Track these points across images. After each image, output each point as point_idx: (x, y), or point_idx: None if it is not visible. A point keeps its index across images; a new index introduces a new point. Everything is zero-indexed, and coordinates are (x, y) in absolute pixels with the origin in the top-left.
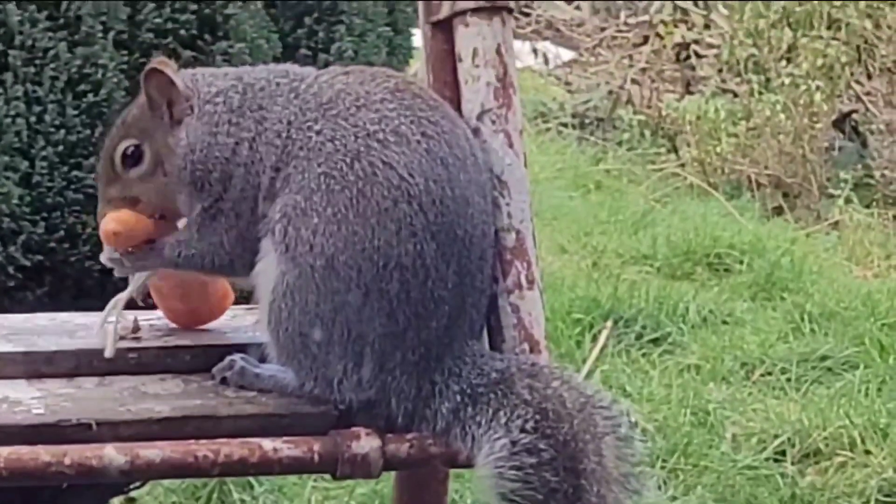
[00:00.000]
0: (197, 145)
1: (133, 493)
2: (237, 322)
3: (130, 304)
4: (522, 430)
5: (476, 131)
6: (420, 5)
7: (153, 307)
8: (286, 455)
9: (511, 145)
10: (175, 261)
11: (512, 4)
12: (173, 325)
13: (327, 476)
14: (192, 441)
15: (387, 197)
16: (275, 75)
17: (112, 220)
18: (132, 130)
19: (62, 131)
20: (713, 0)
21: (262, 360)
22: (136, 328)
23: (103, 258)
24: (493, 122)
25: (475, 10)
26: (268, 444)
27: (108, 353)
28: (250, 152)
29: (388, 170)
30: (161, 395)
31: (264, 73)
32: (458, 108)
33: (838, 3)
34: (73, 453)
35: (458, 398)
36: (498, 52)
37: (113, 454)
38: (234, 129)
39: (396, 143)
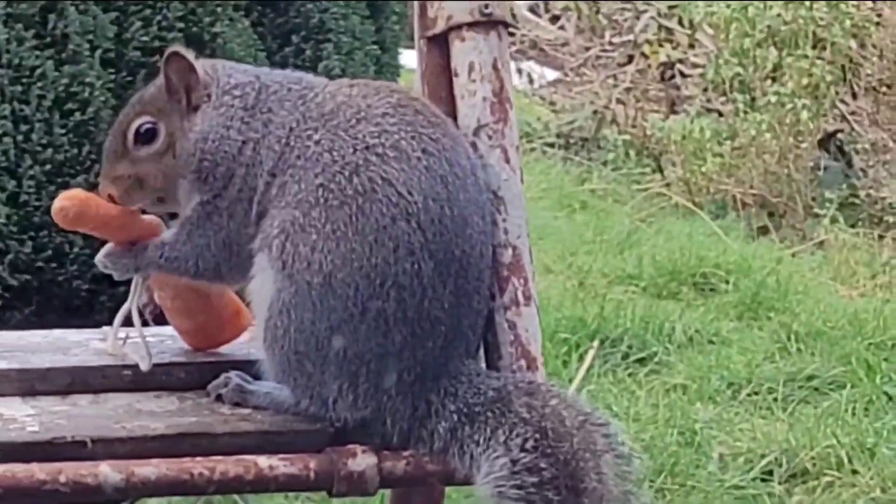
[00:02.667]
0: (210, 134)
1: None
2: None
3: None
4: (523, 449)
5: (472, 146)
6: (415, 20)
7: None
8: (282, 472)
9: (507, 160)
10: (158, 262)
11: (509, 19)
12: (183, 346)
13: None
14: (188, 458)
15: (385, 214)
16: (289, 81)
17: (61, 198)
18: (149, 108)
19: (49, 150)
20: (699, 14)
21: (258, 377)
22: (123, 342)
23: (97, 258)
24: (490, 138)
25: (471, 25)
26: (264, 461)
27: (144, 367)
28: (253, 154)
29: (387, 186)
30: (156, 413)
31: (280, 76)
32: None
33: (823, 23)
34: (68, 471)
35: (456, 417)
36: (494, 66)
37: (108, 472)
38: (245, 127)
39: (396, 159)
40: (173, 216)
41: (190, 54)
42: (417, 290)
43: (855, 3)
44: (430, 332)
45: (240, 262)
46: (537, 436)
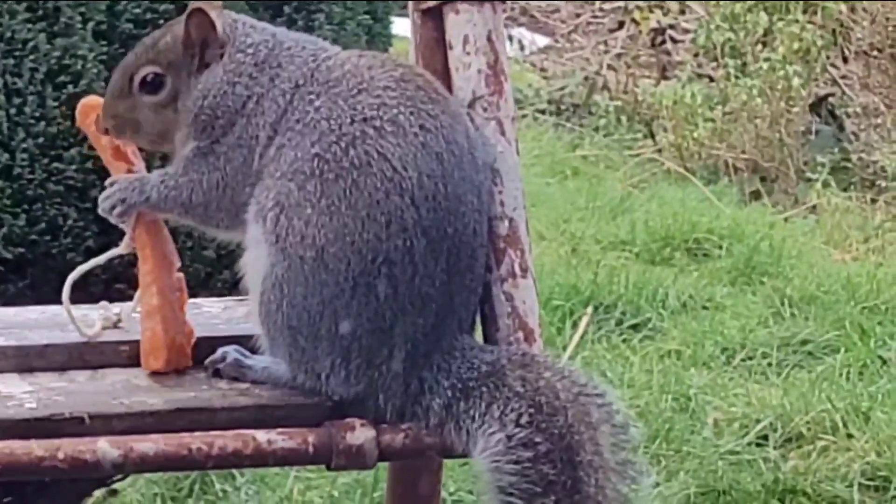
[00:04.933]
0: (212, 91)
1: (115, 486)
2: (229, 313)
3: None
4: (517, 425)
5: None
6: None
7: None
8: (280, 447)
9: (503, 133)
10: (159, 188)
11: None
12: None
13: (310, 465)
14: (186, 434)
15: (379, 189)
16: (305, 40)
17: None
18: (160, 59)
19: (42, 123)
20: None
21: (254, 351)
22: (118, 320)
23: (100, 197)
24: (485, 110)
25: None
26: (262, 436)
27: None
28: (255, 106)
29: (383, 161)
30: (154, 388)
31: (298, 36)
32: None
33: None
34: (67, 447)
35: (450, 393)
36: (489, 38)
37: (106, 448)
38: (251, 82)
39: (393, 134)
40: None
41: (214, 11)
42: (409, 267)
43: None
44: (422, 309)
45: (232, 207)
46: (531, 410)
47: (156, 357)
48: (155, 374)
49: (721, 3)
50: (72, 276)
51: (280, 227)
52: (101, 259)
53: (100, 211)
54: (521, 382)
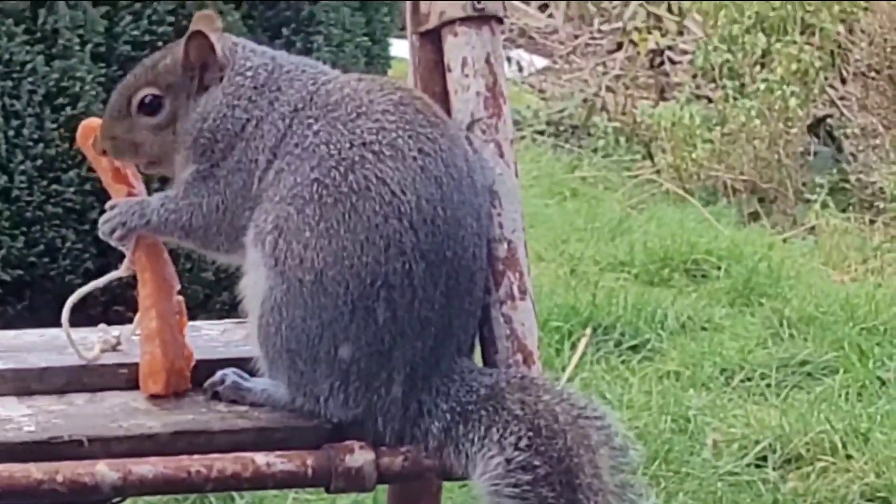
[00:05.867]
0: (211, 114)
1: None
2: (228, 336)
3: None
4: (516, 448)
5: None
6: (407, 15)
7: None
8: (279, 469)
9: (502, 155)
10: (159, 211)
11: (501, 13)
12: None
13: (309, 488)
14: (185, 456)
15: (378, 213)
16: (305, 63)
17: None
18: (159, 80)
19: (41, 145)
20: (688, 0)
21: (253, 373)
22: (117, 343)
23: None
24: (484, 132)
25: (464, 20)
26: (261, 458)
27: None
28: (255, 130)
29: (381, 185)
30: (153, 411)
31: (298, 59)
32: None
33: (812, 8)
34: (66, 470)
35: (449, 417)
36: (487, 61)
37: (105, 471)
38: (250, 105)
39: (392, 158)
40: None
41: (214, 33)
42: (408, 291)
43: None
44: (420, 333)
45: (231, 231)
46: (531, 433)
47: (155, 380)
48: (154, 397)
49: (719, 24)
50: (71, 299)
51: (279, 251)
52: (100, 282)
53: (100, 234)
54: (520, 405)
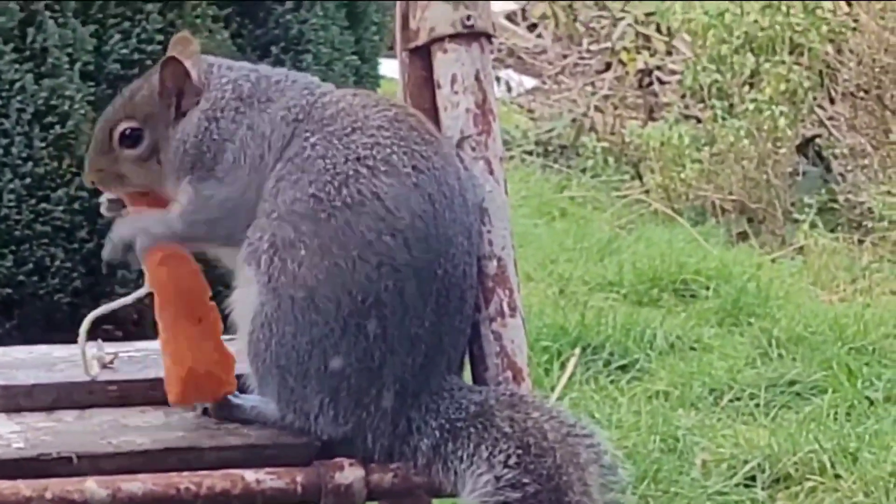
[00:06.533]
0: (191, 134)
1: None
2: None
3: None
4: (505, 466)
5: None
6: (397, 32)
7: (133, 338)
8: (269, 486)
9: (491, 172)
10: (183, 227)
11: (491, 31)
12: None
13: None
14: (175, 473)
15: (371, 229)
16: (293, 74)
17: None
18: (137, 112)
19: (29, 163)
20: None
21: (244, 390)
22: (112, 360)
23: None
24: (473, 149)
25: (453, 37)
26: (250, 475)
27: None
28: (249, 132)
29: (376, 200)
30: (142, 428)
31: (282, 70)
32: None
33: (800, 29)
34: (55, 487)
35: (438, 434)
36: (477, 78)
37: (94, 488)
38: (238, 115)
39: (386, 174)
40: None
41: (189, 59)
42: (399, 308)
43: (831, 8)
44: (410, 350)
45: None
46: (520, 451)
47: (170, 390)
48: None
49: (708, 44)
50: (90, 316)
51: (273, 268)
52: (126, 300)
53: (110, 245)
54: (510, 423)
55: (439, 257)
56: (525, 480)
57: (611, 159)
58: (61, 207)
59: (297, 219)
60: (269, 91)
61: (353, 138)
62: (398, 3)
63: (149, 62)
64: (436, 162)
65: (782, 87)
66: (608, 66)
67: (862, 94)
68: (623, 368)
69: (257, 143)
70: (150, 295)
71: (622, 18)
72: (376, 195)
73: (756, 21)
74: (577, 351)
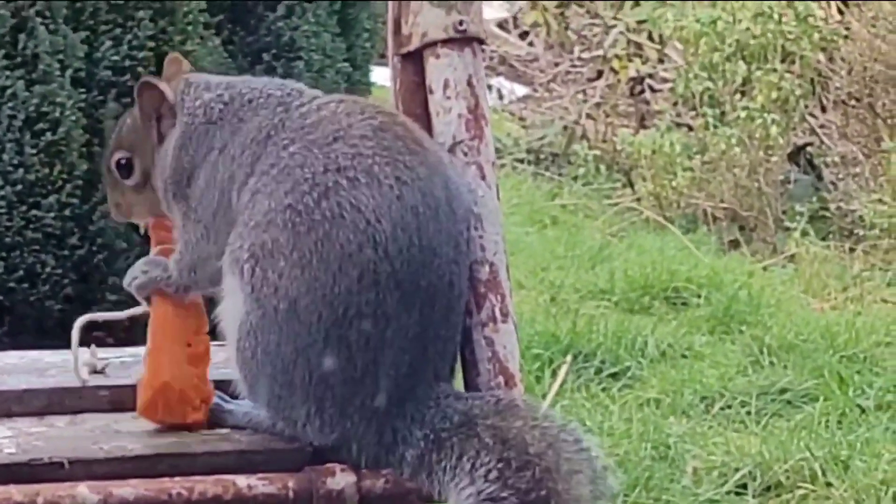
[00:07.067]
0: (169, 164)
1: None
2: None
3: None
4: (486, 479)
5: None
6: (389, 38)
7: (125, 344)
8: (261, 492)
9: (484, 177)
10: (176, 273)
11: (483, 35)
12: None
13: None
14: (166, 479)
15: (351, 241)
16: (270, 88)
17: None
18: (124, 142)
19: (20, 170)
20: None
21: (235, 396)
22: (104, 368)
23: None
24: (465, 154)
25: (445, 42)
26: (242, 480)
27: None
28: (220, 155)
29: (356, 213)
30: (134, 433)
31: (259, 84)
32: (433, 140)
33: (792, 37)
34: (46, 492)
35: (423, 444)
36: (469, 83)
37: (86, 493)
38: (207, 139)
39: (367, 185)
40: None
41: (171, 81)
42: (381, 320)
43: (823, 17)
44: (394, 361)
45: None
46: (500, 465)
47: (139, 398)
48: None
49: (700, 52)
50: (84, 319)
51: (255, 278)
52: (119, 315)
53: (124, 284)
54: (491, 433)
55: (423, 269)
56: (504, 495)
57: (602, 167)
58: (52, 214)
59: (276, 230)
60: (241, 111)
61: (335, 147)
62: (390, 8)
63: (139, 69)
64: (420, 172)
65: (774, 95)
66: (600, 74)
67: (854, 102)
68: (614, 376)
69: (226, 165)
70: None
71: (614, 26)
72: (356, 207)
73: (748, 29)
74: (569, 358)
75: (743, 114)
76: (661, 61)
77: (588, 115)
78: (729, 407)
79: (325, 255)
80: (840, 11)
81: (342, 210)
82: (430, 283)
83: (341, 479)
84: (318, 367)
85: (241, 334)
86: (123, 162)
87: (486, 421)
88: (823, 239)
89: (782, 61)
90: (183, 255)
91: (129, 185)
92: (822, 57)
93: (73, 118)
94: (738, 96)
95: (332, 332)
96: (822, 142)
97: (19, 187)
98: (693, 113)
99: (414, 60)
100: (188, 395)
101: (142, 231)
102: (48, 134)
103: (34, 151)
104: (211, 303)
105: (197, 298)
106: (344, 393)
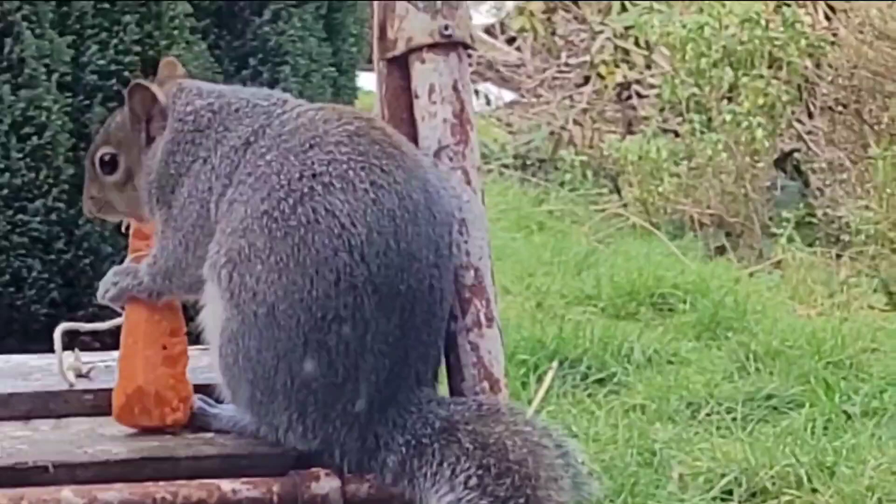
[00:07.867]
0: (155, 168)
1: None
2: (193, 363)
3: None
4: (466, 487)
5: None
6: (374, 42)
7: (111, 348)
8: (245, 496)
9: (469, 182)
10: (148, 280)
11: (470, 40)
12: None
13: None
14: (151, 483)
15: (327, 246)
16: (258, 98)
17: None
18: (111, 139)
19: (6, 174)
20: (655, 34)
21: (220, 400)
22: (89, 371)
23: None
24: (451, 159)
25: (431, 47)
26: (227, 485)
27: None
28: (203, 166)
29: (331, 217)
30: (118, 437)
31: (249, 94)
32: (414, 145)
33: (779, 43)
34: (30, 496)
35: (404, 450)
36: (455, 88)
37: (70, 497)
38: (194, 147)
39: (342, 190)
40: None
41: (166, 84)
42: (360, 324)
43: (810, 23)
44: (375, 365)
45: (199, 265)
46: (480, 472)
47: (114, 404)
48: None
49: (686, 58)
50: (65, 326)
51: (234, 284)
52: (100, 326)
53: (97, 296)
54: (472, 440)
55: (401, 272)
56: (483, 503)
57: (589, 173)
58: (38, 218)
59: (252, 236)
60: (227, 121)
61: (310, 154)
62: (376, 12)
63: (126, 73)
64: (398, 176)
65: (761, 101)
66: (587, 80)
67: (840, 108)
68: (600, 382)
69: (207, 176)
70: None
71: (601, 32)
72: (331, 213)
73: (735, 35)
74: (555, 364)
75: (729, 119)
76: (647, 67)
77: (575, 121)
78: (715, 413)
79: (301, 260)
80: (827, 17)
81: (317, 215)
82: (410, 287)
83: (326, 483)
84: (299, 372)
85: (223, 340)
86: (108, 158)
87: (468, 426)
88: (810, 245)
89: (769, 67)
90: (157, 259)
91: (110, 181)
92: (809, 63)
93: (60, 122)
94: (724, 102)
95: (311, 337)
96: (808, 148)
97: (5, 191)
98: (680, 119)
99: (399, 65)
100: (165, 396)
101: (122, 229)
102: (34, 138)
103: (20, 156)
104: (192, 308)
105: (172, 301)
106: (325, 398)
